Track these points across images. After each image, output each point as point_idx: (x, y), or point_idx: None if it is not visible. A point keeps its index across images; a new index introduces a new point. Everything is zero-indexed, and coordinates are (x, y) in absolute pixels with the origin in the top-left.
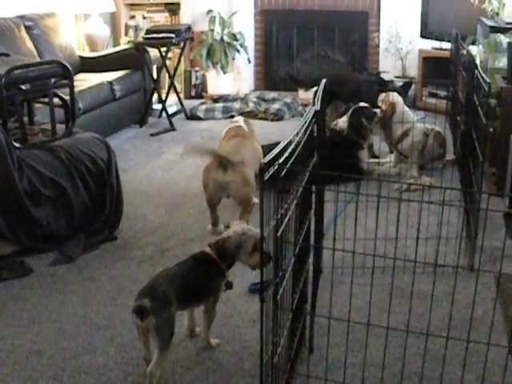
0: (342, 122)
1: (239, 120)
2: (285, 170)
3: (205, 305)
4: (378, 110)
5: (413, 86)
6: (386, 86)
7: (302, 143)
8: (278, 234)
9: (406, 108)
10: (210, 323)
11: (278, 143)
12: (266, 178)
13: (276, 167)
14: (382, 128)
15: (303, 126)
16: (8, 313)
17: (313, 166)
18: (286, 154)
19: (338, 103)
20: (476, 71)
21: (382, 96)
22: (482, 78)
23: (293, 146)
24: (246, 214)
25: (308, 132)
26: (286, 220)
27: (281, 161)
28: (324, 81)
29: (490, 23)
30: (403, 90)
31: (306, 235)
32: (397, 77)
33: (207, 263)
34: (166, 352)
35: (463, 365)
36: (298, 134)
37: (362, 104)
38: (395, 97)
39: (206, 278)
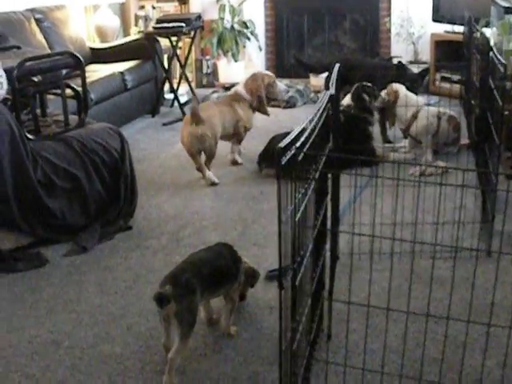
0: (347, 100)
1: (240, 88)
2: (301, 155)
3: (229, 293)
4: (382, 93)
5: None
6: (405, 71)
7: (318, 128)
8: (296, 218)
9: (409, 93)
10: (232, 310)
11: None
12: (283, 162)
13: (293, 152)
14: (390, 116)
15: (318, 110)
16: (25, 303)
17: (328, 150)
18: (302, 139)
19: (349, 88)
20: (491, 53)
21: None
22: (498, 59)
23: (309, 130)
24: (208, 162)
25: (323, 116)
26: (303, 205)
27: (297, 145)
28: (337, 65)
29: (505, 4)
30: (420, 78)
31: (323, 221)
32: (410, 62)
33: (231, 247)
34: (187, 340)
35: (484, 350)
36: (313, 118)
37: (364, 83)
38: (396, 85)
39: (231, 263)
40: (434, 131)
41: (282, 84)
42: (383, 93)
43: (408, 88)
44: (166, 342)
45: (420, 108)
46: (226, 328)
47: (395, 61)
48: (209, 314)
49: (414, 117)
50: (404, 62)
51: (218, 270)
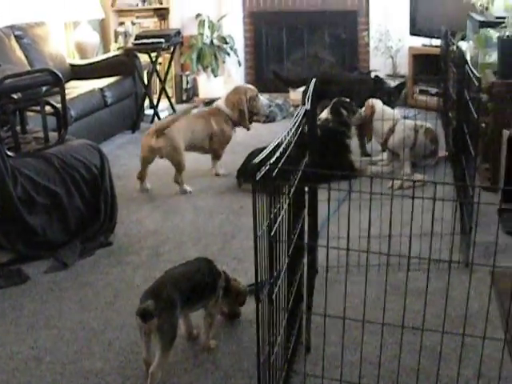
0: (325, 114)
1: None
2: (276, 170)
3: (209, 307)
4: (361, 110)
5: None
6: (382, 85)
7: (294, 143)
8: (272, 233)
9: (385, 107)
10: (211, 325)
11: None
12: (258, 177)
13: (268, 167)
14: (367, 130)
15: (294, 125)
16: (6, 320)
17: (305, 165)
18: (278, 154)
19: (327, 102)
20: (466, 66)
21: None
22: (473, 73)
23: (284, 145)
24: (178, 173)
25: (299, 131)
26: (279, 220)
27: (272, 160)
28: (314, 80)
29: (480, 18)
30: (397, 91)
31: (300, 235)
32: (388, 75)
33: (210, 262)
34: (167, 353)
35: (459, 360)
36: (288, 133)
37: (343, 98)
38: (373, 100)
39: (209, 278)
40: (411, 144)
41: (264, 98)
42: (362, 109)
43: (385, 102)
44: (147, 356)
45: (396, 121)
46: (205, 342)
47: (373, 75)
48: (189, 329)
49: (391, 130)
50: (382, 75)
51: (196, 285)
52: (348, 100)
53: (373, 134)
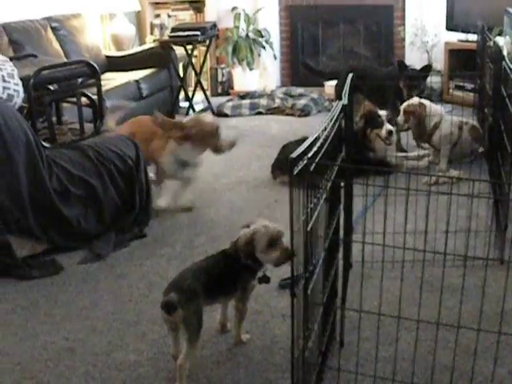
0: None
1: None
2: (314, 165)
3: (235, 301)
4: (389, 126)
5: (439, 79)
6: (405, 68)
7: (331, 137)
8: (308, 228)
9: (432, 104)
10: (242, 320)
11: (305, 138)
12: (296, 172)
13: (305, 161)
14: (417, 130)
15: (331, 120)
16: (40, 310)
17: (341, 160)
18: (315, 149)
19: (359, 96)
20: (503, 62)
21: (404, 105)
22: (510, 68)
23: (321, 140)
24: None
25: (336, 126)
26: (315, 214)
27: (310, 155)
28: (350, 75)
29: None
30: (421, 75)
31: (336, 230)
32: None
33: (233, 259)
34: (195, 344)
35: (495, 358)
36: (325, 128)
37: (378, 111)
38: (420, 100)
39: (231, 274)
40: (454, 141)
41: (232, 137)
42: (399, 118)
43: (409, 86)
44: (174, 351)
45: (441, 118)
46: (237, 335)
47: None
48: (223, 321)
49: (436, 127)
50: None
51: (215, 277)
52: (379, 113)
53: (411, 130)
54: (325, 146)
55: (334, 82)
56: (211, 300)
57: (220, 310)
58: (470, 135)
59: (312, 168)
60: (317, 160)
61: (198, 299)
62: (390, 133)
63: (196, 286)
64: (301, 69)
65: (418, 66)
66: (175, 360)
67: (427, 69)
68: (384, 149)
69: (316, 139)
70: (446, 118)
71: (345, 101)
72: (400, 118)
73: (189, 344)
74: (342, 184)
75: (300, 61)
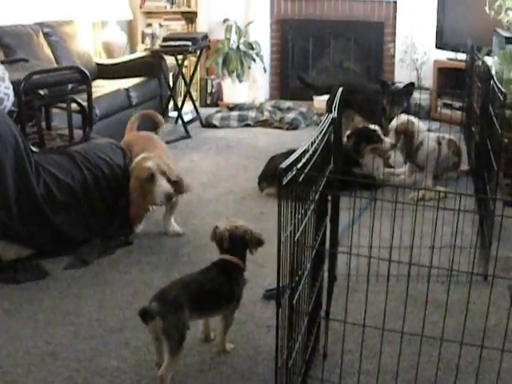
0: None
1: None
2: (302, 176)
3: (223, 311)
4: (388, 140)
5: (427, 96)
6: (388, 87)
7: (320, 150)
8: (295, 238)
9: (416, 120)
10: (228, 328)
11: (292, 151)
12: (284, 183)
13: (294, 172)
14: (407, 148)
15: (320, 132)
16: (24, 315)
17: (329, 172)
18: (304, 160)
19: (350, 112)
20: (491, 81)
21: (394, 124)
22: (498, 88)
23: (310, 152)
24: None
25: (325, 139)
26: (302, 225)
27: (299, 166)
28: (341, 89)
29: (506, 34)
30: (406, 92)
31: (322, 242)
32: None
33: (229, 270)
34: (176, 356)
35: (477, 373)
36: (315, 140)
37: (371, 126)
38: (408, 117)
39: (227, 286)
40: (435, 156)
41: (165, 184)
42: (388, 138)
43: (393, 103)
44: (159, 360)
45: (423, 135)
46: (222, 344)
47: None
48: (206, 331)
49: (421, 144)
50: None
51: (209, 293)
52: (374, 128)
53: (401, 148)
54: (314, 158)
55: (324, 97)
56: (202, 314)
57: (202, 320)
58: (449, 149)
59: (301, 179)
60: (306, 171)
61: (181, 312)
62: (393, 146)
63: (181, 298)
64: (291, 83)
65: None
66: (159, 368)
67: (410, 87)
68: (372, 164)
69: (305, 151)
70: (425, 134)
71: (334, 114)
72: (391, 137)
73: (170, 356)
74: (329, 197)
75: (291, 75)
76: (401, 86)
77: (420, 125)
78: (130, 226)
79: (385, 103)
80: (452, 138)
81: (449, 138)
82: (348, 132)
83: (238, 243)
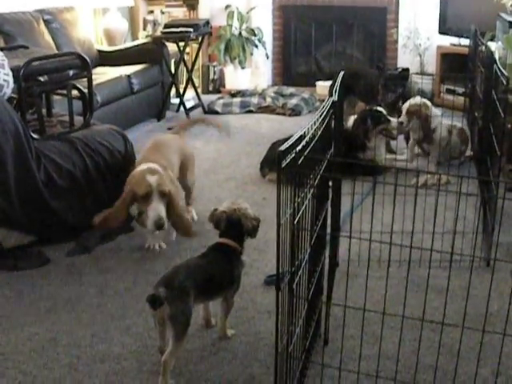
0: (350, 121)
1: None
2: (302, 158)
3: (225, 294)
4: (400, 120)
5: (430, 82)
6: (383, 72)
7: (320, 133)
8: (295, 221)
9: (430, 104)
10: (228, 312)
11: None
12: (283, 165)
13: (294, 155)
14: (422, 131)
15: (321, 115)
16: (25, 301)
17: (330, 156)
18: (303, 143)
19: (352, 98)
20: (495, 66)
21: (407, 105)
22: (501, 73)
23: (310, 135)
24: None
25: (325, 122)
26: (302, 208)
27: (298, 149)
28: (342, 73)
29: (510, 19)
30: (401, 78)
31: (323, 226)
32: (416, 73)
33: (227, 253)
34: (181, 342)
35: (478, 358)
36: (315, 123)
37: (378, 108)
38: (421, 100)
39: (227, 269)
40: (445, 144)
41: (159, 210)
42: (400, 118)
43: (388, 88)
44: (162, 345)
45: (438, 122)
46: (222, 330)
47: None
48: (207, 316)
49: (433, 131)
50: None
51: (212, 276)
52: (380, 109)
53: (412, 130)
54: (314, 141)
55: (326, 83)
56: (206, 298)
57: (202, 305)
58: (459, 138)
59: (300, 162)
60: (305, 154)
61: (188, 297)
62: (400, 124)
63: (188, 283)
64: (294, 69)
65: (411, 69)
66: (161, 354)
67: (405, 72)
68: (379, 147)
69: (304, 134)
70: (441, 122)
71: (335, 97)
72: (402, 118)
73: (175, 341)
74: (330, 182)
75: (293, 61)
76: (395, 72)
77: (434, 110)
78: (102, 224)
79: (379, 87)
80: (462, 127)
81: (459, 127)
82: (352, 117)
83: (234, 226)
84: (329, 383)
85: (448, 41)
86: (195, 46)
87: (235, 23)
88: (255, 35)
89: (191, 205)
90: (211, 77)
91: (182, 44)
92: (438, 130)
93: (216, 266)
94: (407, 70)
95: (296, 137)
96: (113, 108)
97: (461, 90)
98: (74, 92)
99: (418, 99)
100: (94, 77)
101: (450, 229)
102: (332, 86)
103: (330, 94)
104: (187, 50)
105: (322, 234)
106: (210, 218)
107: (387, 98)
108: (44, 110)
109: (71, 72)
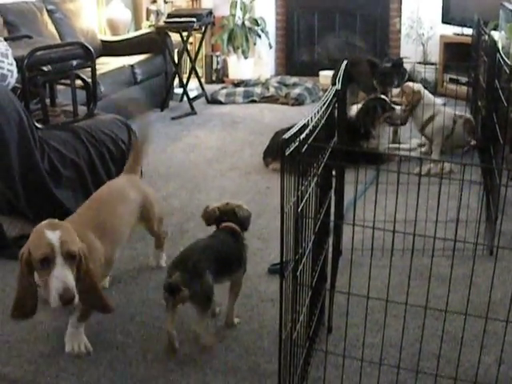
0: (353, 111)
1: None
2: (306, 146)
3: (233, 278)
4: (398, 107)
5: (434, 69)
6: (376, 67)
7: (323, 122)
8: (299, 209)
9: (428, 93)
10: (236, 298)
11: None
12: (287, 153)
13: (297, 143)
14: (412, 116)
15: (324, 104)
16: None
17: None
18: (307, 131)
19: (355, 87)
20: (498, 56)
21: (400, 89)
22: (504, 62)
23: (313, 123)
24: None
25: (329, 111)
26: (306, 196)
27: (302, 137)
28: (345, 62)
29: None
30: (395, 70)
31: (327, 214)
32: (419, 62)
33: (233, 235)
34: (206, 314)
35: (481, 346)
36: (318, 111)
37: (379, 96)
38: (416, 85)
39: (236, 250)
40: (448, 133)
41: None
42: (399, 108)
43: (383, 83)
44: (170, 327)
45: (438, 110)
46: (229, 317)
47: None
48: (212, 306)
49: (431, 119)
50: (412, 62)
51: (224, 256)
52: (384, 97)
53: (412, 119)
54: (317, 129)
55: (329, 72)
56: (217, 279)
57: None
58: (464, 128)
59: (304, 150)
60: (308, 142)
61: (205, 276)
62: (404, 113)
63: (202, 263)
64: (297, 58)
65: (414, 59)
66: (169, 337)
67: (398, 63)
68: (384, 134)
69: (308, 122)
70: (441, 110)
71: (338, 86)
72: (395, 98)
73: (200, 316)
74: (334, 171)
75: (296, 51)
76: (388, 64)
77: (430, 98)
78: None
79: (375, 84)
80: (469, 117)
81: (466, 118)
82: (354, 106)
83: (230, 216)
84: (332, 371)
85: (451, 30)
86: (198, 35)
87: (238, 13)
88: (258, 25)
89: (163, 250)
90: (214, 67)
91: (185, 34)
92: (437, 118)
93: (226, 246)
94: (399, 59)
95: (299, 125)
96: (116, 98)
97: (464, 79)
98: (78, 82)
99: (414, 84)
100: (97, 67)
101: (453, 217)
102: (334, 76)
103: (333, 83)
104: (190, 39)
105: (325, 220)
106: (203, 215)
107: (387, 91)
108: (48, 100)
109: (75, 62)
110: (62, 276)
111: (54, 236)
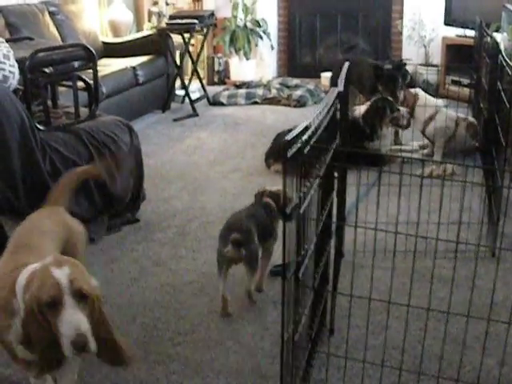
0: (359, 111)
1: None
2: (308, 148)
3: (267, 245)
4: (403, 109)
5: (436, 71)
6: (381, 71)
7: (325, 124)
8: (301, 211)
9: (429, 96)
10: (268, 263)
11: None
12: (290, 155)
13: (299, 144)
14: (413, 117)
15: (326, 106)
16: None
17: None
18: (309, 133)
19: (354, 90)
20: (500, 57)
21: (403, 94)
22: (507, 63)
23: (315, 125)
24: None
25: (331, 113)
26: (308, 198)
27: (304, 138)
28: (347, 63)
29: None
30: (398, 72)
31: (329, 216)
32: (421, 64)
33: (267, 208)
34: (255, 272)
35: (483, 348)
36: (320, 113)
37: (385, 96)
38: (415, 89)
39: (269, 220)
40: (450, 135)
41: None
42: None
43: (389, 87)
44: (224, 291)
45: (438, 110)
46: (260, 281)
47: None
48: (225, 302)
49: (431, 118)
50: (414, 64)
51: (263, 223)
52: (390, 99)
53: (413, 121)
54: (319, 131)
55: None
56: (260, 243)
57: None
58: (467, 131)
59: (306, 152)
60: (311, 143)
61: (255, 239)
62: (408, 114)
63: (252, 227)
64: (298, 60)
65: (416, 61)
66: (223, 301)
67: (400, 66)
68: (383, 137)
69: (310, 124)
70: (442, 111)
71: (340, 88)
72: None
73: (250, 275)
74: (336, 173)
75: (298, 53)
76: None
77: (430, 100)
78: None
79: (379, 88)
80: (473, 121)
81: (469, 121)
82: (356, 107)
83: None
84: (334, 373)
85: (453, 32)
86: (200, 37)
87: (240, 14)
88: (260, 26)
89: None
90: (216, 68)
91: (187, 35)
92: (437, 117)
93: (263, 215)
94: (401, 62)
95: (301, 127)
96: (118, 99)
97: (466, 81)
98: (80, 83)
99: (413, 90)
100: (99, 68)
101: (455, 219)
102: (333, 77)
103: (332, 85)
104: (192, 41)
105: (327, 222)
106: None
107: (396, 93)
108: (49, 102)
109: (76, 63)
110: (74, 319)
111: (61, 274)
